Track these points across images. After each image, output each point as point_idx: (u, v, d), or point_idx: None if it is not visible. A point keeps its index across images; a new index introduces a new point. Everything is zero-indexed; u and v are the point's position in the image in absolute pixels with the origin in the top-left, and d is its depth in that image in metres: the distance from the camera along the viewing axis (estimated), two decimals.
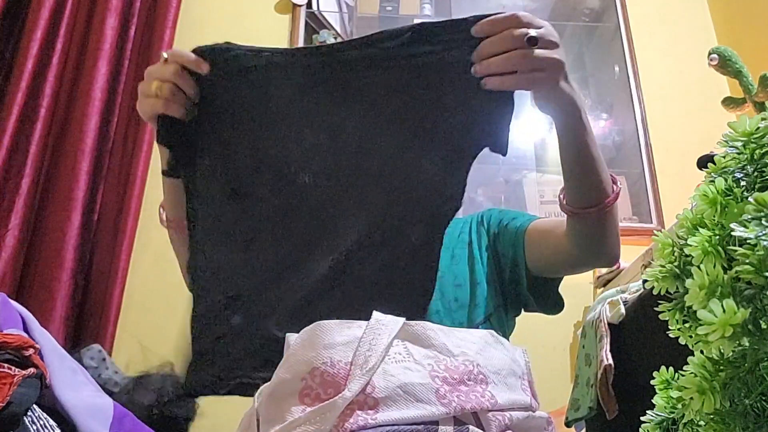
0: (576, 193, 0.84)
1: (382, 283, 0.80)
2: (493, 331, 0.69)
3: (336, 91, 0.80)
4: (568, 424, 1.37)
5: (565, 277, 1.01)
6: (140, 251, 1.86)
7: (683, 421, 0.44)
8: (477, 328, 0.92)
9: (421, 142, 0.79)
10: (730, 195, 0.40)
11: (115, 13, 2.00)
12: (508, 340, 0.98)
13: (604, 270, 1.84)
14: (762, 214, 0.36)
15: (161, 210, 0.91)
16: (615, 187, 0.85)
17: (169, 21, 2.07)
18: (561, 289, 1.01)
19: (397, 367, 0.58)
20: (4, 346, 0.74)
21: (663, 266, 0.44)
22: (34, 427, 0.73)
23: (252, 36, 2.25)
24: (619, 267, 1.74)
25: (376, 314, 0.63)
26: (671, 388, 0.47)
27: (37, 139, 1.82)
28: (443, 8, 2.41)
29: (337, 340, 0.59)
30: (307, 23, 2.29)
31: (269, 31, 2.26)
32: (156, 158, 1.95)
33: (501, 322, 0.97)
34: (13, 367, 0.73)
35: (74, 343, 1.68)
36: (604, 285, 1.79)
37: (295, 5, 2.28)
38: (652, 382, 0.49)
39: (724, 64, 1.56)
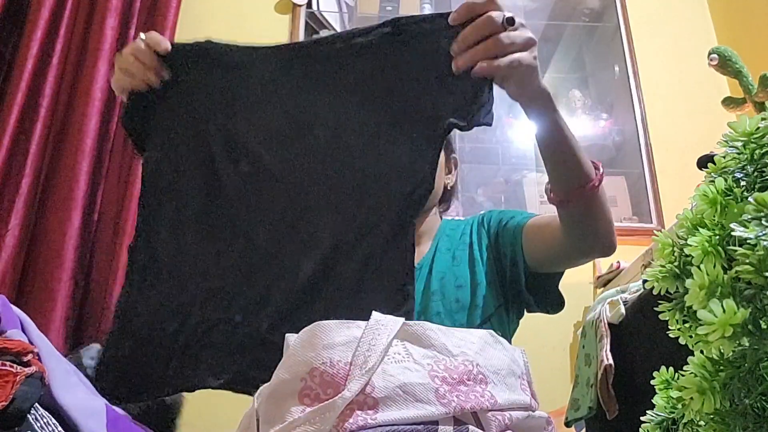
0: (558, 179, 0.85)
1: (364, 279, 0.81)
2: (492, 331, 0.69)
3: (307, 85, 0.83)
4: (568, 424, 1.37)
5: (565, 277, 1.01)
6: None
7: (683, 421, 0.44)
8: (478, 328, 0.92)
9: (390, 128, 0.81)
10: (730, 195, 0.40)
11: (115, 13, 2.00)
12: (509, 341, 0.98)
13: (604, 270, 1.84)
14: (762, 214, 0.36)
15: None
16: (598, 172, 0.85)
17: (169, 21, 2.07)
18: (561, 290, 1.01)
19: (396, 367, 0.58)
20: (6, 351, 0.75)
21: (663, 266, 0.44)
22: (38, 424, 0.74)
23: (252, 36, 2.24)
24: (619, 267, 1.74)
25: (375, 314, 0.63)
26: (671, 388, 0.47)
27: (37, 139, 1.82)
28: (443, 8, 2.41)
29: (336, 341, 0.59)
30: (307, 23, 2.29)
31: (269, 31, 2.26)
32: None
33: (502, 323, 0.98)
34: (15, 365, 0.73)
35: (74, 343, 1.68)
36: (604, 285, 1.79)
37: (295, 5, 2.28)
38: (652, 382, 0.49)
39: (724, 64, 1.56)
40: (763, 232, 0.35)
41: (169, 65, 0.85)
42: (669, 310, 0.44)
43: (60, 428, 0.77)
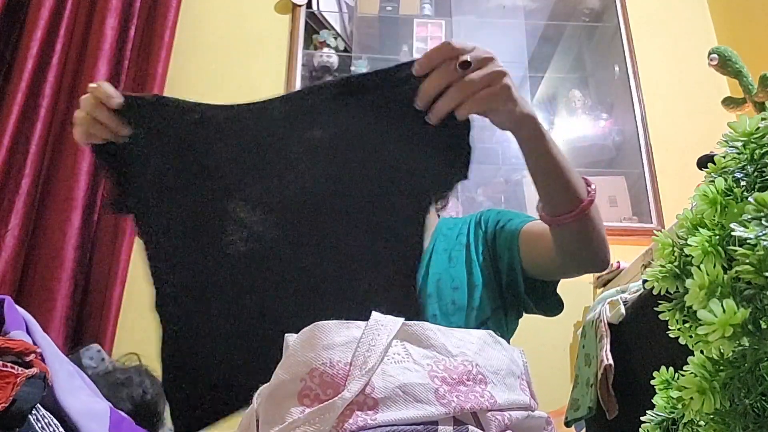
0: (549, 201, 0.83)
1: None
2: (491, 332, 0.69)
3: (273, 149, 0.78)
4: (567, 424, 1.37)
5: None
6: (140, 251, 1.86)
7: (683, 421, 0.44)
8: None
9: (371, 194, 0.77)
10: (730, 195, 0.40)
11: (115, 13, 2.00)
12: (508, 342, 0.98)
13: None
14: (762, 214, 0.36)
15: None
16: (589, 189, 0.83)
17: (169, 21, 2.07)
18: (561, 290, 1.01)
19: (396, 368, 0.58)
20: (7, 351, 0.75)
21: (663, 266, 0.44)
22: (39, 425, 0.74)
23: (252, 36, 2.25)
24: (619, 267, 1.74)
25: (375, 314, 0.63)
26: (671, 388, 0.47)
27: (37, 139, 1.82)
28: (443, 8, 2.41)
29: (336, 341, 0.59)
30: (307, 23, 2.29)
31: (269, 31, 2.26)
32: None
33: (500, 324, 0.97)
34: (16, 366, 0.73)
35: (74, 343, 1.68)
36: (604, 285, 1.79)
37: (295, 5, 2.28)
38: (652, 382, 0.49)
39: (724, 64, 1.56)
40: (763, 232, 0.35)
41: (128, 118, 0.77)
42: (669, 310, 0.44)
43: (61, 429, 0.77)
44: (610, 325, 1.29)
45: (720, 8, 2.42)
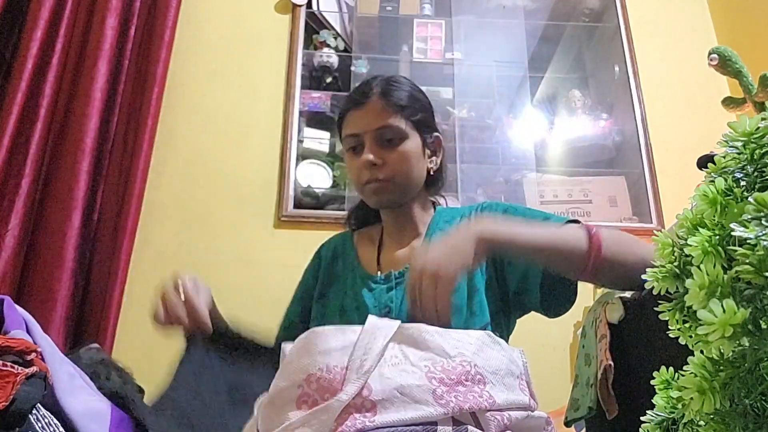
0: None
1: None
2: (490, 332, 0.69)
3: None
4: (567, 424, 1.36)
5: None
6: (140, 251, 1.86)
7: (683, 421, 0.44)
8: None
9: None
10: (730, 195, 0.40)
11: (115, 13, 2.00)
12: (507, 341, 0.97)
13: None
14: (762, 214, 0.36)
15: None
16: (591, 234, 0.83)
17: (169, 21, 2.07)
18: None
19: (393, 370, 0.58)
20: (7, 350, 0.74)
21: (663, 266, 0.44)
22: (39, 425, 0.74)
23: (252, 36, 2.25)
24: None
25: (371, 318, 0.63)
26: (671, 388, 0.47)
27: (37, 139, 1.81)
28: (443, 8, 2.41)
29: (332, 346, 0.59)
30: (307, 23, 2.29)
31: (269, 31, 2.26)
32: (156, 158, 1.96)
33: (499, 326, 0.95)
34: (16, 366, 0.73)
35: (74, 343, 1.68)
36: None
37: (295, 5, 2.28)
38: (652, 382, 0.49)
39: (724, 64, 1.56)
40: (763, 232, 0.35)
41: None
42: (669, 310, 0.44)
43: (61, 429, 0.76)
44: (610, 325, 1.29)
45: (720, 8, 2.41)
